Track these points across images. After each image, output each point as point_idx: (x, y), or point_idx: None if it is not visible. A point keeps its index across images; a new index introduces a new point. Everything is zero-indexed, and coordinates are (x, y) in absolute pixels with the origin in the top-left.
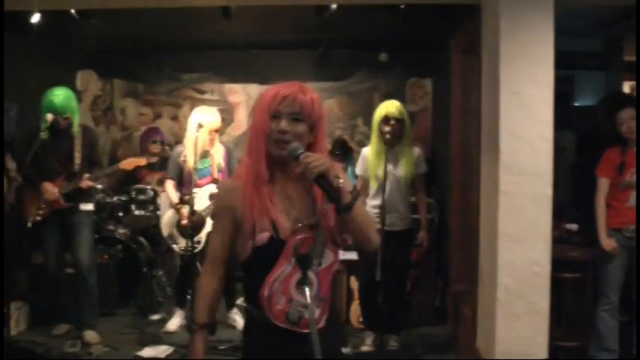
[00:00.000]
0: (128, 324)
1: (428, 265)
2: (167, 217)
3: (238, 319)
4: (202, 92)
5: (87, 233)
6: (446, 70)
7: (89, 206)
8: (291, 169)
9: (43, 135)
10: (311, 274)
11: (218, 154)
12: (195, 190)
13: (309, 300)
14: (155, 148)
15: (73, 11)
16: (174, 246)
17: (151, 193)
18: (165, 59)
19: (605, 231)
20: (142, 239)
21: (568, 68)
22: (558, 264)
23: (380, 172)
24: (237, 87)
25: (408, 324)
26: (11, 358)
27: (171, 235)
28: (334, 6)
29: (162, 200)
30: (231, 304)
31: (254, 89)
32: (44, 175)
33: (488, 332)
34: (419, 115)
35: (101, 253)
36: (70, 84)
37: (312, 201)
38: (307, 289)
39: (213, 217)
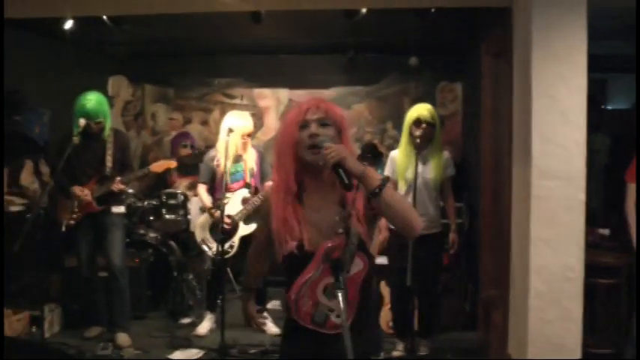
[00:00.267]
0: (159, 327)
1: (458, 269)
2: (200, 221)
3: (268, 323)
4: (232, 97)
5: (119, 236)
6: (476, 73)
7: (121, 209)
8: (321, 179)
9: (76, 139)
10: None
11: (250, 159)
12: (227, 194)
13: (342, 304)
14: (185, 152)
15: (105, 17)
16: (208, 250)
17: (182, 197)
18: (195, 64)
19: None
20: (172, 243)
21: (600, 71)
22: (591, 269)
23: (409, 175)
24: (266, 92)
25: (438, 329)
26: (45, 359)
27: (204, 240)
28: (364, 10)
29: (192, 204)
30: (261, 309)
31: (284, 94)
32: (77, 179)
33: (520, 338)
34: (449, 119)
35: (132, 257)
36: (101, 89)
37: (341, 209)
38: (340, 294)
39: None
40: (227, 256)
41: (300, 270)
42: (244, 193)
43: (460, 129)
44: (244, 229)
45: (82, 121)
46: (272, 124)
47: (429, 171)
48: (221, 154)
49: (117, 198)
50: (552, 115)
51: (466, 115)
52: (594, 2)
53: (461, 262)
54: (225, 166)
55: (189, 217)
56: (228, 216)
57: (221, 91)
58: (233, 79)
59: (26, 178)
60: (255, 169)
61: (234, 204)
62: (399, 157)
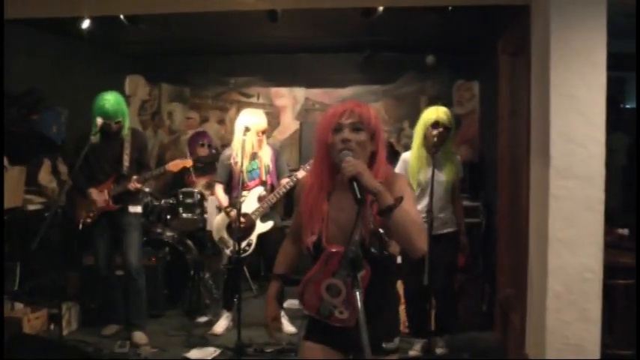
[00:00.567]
0: (176, 326)
1: (475, 269)
2: (217, 221)
3: (285, 322)
4: (249, 96)
5: (136, 235)
6: (493, 72)
7: (138, 208)
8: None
9: (94, 138)
10: (340, 283)
11: (266, 156)
12: (244, 192)
13: (359, 303)
14: (203, 151)
15: (122, 17)
16: (226, 249)
17: (198, 196)
18: (211, 63)
19: None
20: (189, 242)
21: (618, 70)
22: (610, 270)
23: (421, 177)
24: (283, 90)
25: (454, 328)
26: (62, 356)
27: (222, 239)
28: (381, 8)
29: (209, 203)
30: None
31: (300, 93)
32: (94, 178)
33: (537, 339)
34: (465, 118)
35: (149, 256)
36: (118, 88)
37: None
38: (358, 293)
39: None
40: (245, 254)
41: (316, 261)
42: (260, 190)
43: (477, 128)
44: (261, 227)
45: (100, 121)
46: (289, 123)
47: (443, 173)
48: (237, 153)
49: (134, 197)
50: (571, 114)
51: (483, 114)
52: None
53: (478, 262)
54: (243, 164)
55: (205, 215)
56: (244, 214)
57: (237, 90)
58: (249, 77)
59: (44, 177)
60: (271, 166)
61: (250, 202)
62: (411, 159)
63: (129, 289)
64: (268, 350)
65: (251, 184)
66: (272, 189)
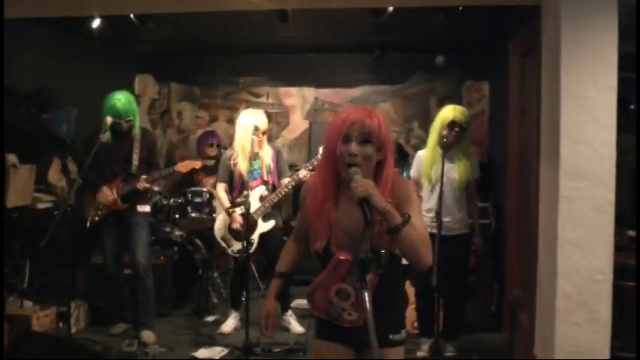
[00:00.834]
0: (184, 325)
1: (484, 270)
2: (219, 220)
3: (293, 322)
4: (258, 95)
5: (144, 233)
6: (503, 72)
7: (146, 207)
8: None
9: (104, 138)
10: (349, 287)
11: (267, 156)
12: (246, 192)
13: (367, 304)
14: (212, 151)
15: (131, 16)
16: (228, 249)
17: (207, 195)
18: (221, 63)
19: None
20: (197, 241)
21: (628, 71)
22: (620, 271)
23: (433, 175)
24: (292, 90)
25: (463, 330)
26: (71, 354)
27: (224, 238)
28: (390, 9)
29: (217, 203)
30: (286, 307)
31: (309, 92)
32: (103, 177)
33: (546, 341)
34: (475, 118)
35: (158, 255)
36: (128, 88)
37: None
38: (366, 294)
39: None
40: (245, 254)
41: (325, 266)
42: (262, 190)
43: (486, 128)
44: (263, 227)
45: (110, 120)
46: (298, 122)
47: (456, 172)
48: (239, 153)
49: (142, 196)
50: (581, 115)
51: (492, 115)
52: (624, 0)
53: (487, 263)
54: (251, 164)
55: (214, 215)
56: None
57: (247, 89)
58: (259, 77)
59: (54, 175)
60: (272, 166)
61: (252, 201)
62: (425, 157)
63: (137, 288)
64: (276, 350)
65: (252, 184)
66: (273, 189)
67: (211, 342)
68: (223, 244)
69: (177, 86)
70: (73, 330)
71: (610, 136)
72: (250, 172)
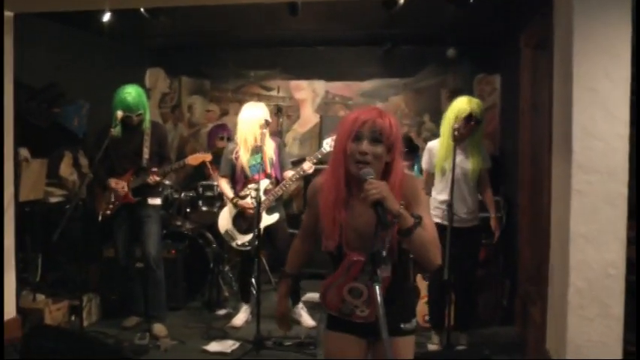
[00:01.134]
0: (195, 318)
1: (495, 264)
2: (223, 214)
3: (304, 315)
4: (269, 89)
5: (155, 227)
6: (515, 65)
7: (157, 201)
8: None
9: (115, 131)
10: (362, 286)
11: (269, 149)
12: (250, 185)
13: (378, 297)
14: (222, 144)
15: (142, 10)
16: (231, 242)
17: (218, 189)
18: (231, 56)
19: None
20: (208, 235)
21: None
22: (632, 266)
23: (447, 166)
24: (303, 83)
25: (474, 323)
26: (83, 348)
27: (227, 232)
28: (402, 1)
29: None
30: (296, 300)
31: (320, 86)
32: (114, 170)
33: (558, 335)
34: (487, 111)
35: (169, 248)
36: (138, 82)
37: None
38: (377, 287)
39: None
40: (249, 248)
41: (337, 265)
42: (266, 183)
43: (498, 122)
44: (267, 220)
45: (121, 113)
46: (308, 116)
47: (469, 163)
48: (241, 146)
49: (153, 190)
50: (594, 107)
51: (504, 108)
52: None
53: (498, 257)
54: (253, 157)
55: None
56: (259, 203)
57: (257, 83)
58: (269, 71)
59: (65, 169)
60: (275, 158)
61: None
62: (439, 148)
63: (148, 282)
64: (287, 343)
65: (257, 177)
66: (276, 181)
67: (222, 335)
68: (227, 239)
69: (187, 80)
70: (86, 323)
71: (623, 129)
72: (253, 165)
